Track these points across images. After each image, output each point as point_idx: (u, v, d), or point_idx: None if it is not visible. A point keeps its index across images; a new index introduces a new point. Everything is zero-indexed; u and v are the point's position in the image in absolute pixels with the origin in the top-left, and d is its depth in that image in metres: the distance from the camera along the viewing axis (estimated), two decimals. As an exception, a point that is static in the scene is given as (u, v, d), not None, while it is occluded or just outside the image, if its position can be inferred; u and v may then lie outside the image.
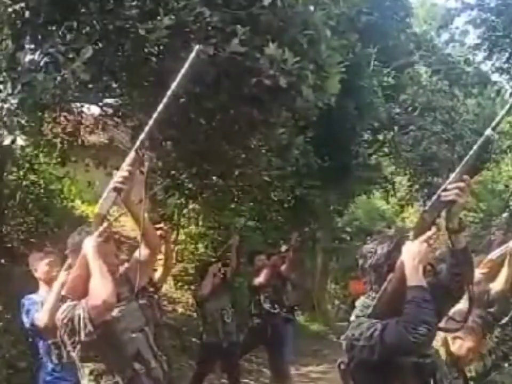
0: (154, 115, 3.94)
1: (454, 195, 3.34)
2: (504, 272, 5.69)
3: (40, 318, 5.40)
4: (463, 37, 26.66)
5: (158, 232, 7.52)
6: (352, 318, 3.57)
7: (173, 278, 14.09)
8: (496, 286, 5.71)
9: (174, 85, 3.91)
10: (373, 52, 15.65)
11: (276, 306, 9.95)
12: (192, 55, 3.93)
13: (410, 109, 19.18)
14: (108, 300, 3.83)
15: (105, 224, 4.03)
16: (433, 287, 3.35)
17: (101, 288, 3.86)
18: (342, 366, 3.52)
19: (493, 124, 3.38)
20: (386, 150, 20.18)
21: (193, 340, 12.37)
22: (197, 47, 3.99)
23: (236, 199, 13.55)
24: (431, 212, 3.44)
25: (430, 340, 3.31)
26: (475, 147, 3.38)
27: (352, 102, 12.98)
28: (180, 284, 14.62)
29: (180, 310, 14.05)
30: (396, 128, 19.34)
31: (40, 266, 5.67)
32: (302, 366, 14.37)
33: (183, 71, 3.92)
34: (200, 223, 15.36)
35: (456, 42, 26.20)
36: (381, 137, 19.26)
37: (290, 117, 9.31)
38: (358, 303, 3.65)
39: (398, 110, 19.13)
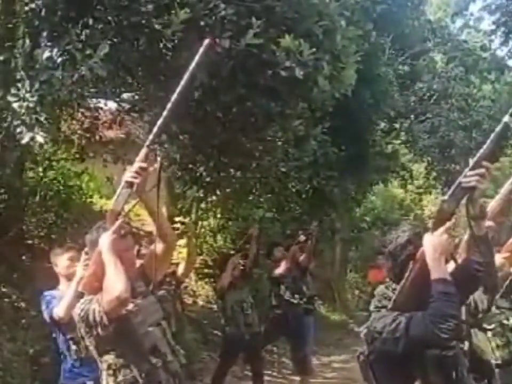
0: (165, 111, 4.00)
1: (474, 181, 3.33)
2: None
3: (57, 312, 5.45)
4: (478, 23, 26.48)
5: (180, 229, 7.58)
6: (372, 307, 3.58)
7: (193, 270, 14.14)
8: None
9: (184, 80, 3.95)
10: (388, 41, 15.60)
11: (296, 296, 9.98)
12: (202, 49, 3.96)
13: (426, 96, 19.10)
14: (121, 295, 3.86)
15: (120, 220, 4.06)
16: (454, 276, 3.35)
17: (114, 283, 3.89)
18: (361, 357, 3.53)
19: (511, 110, 3.37)
20: (403, 138, 20.09)
21: (214, 332, 12.43)
22: (206, 40, 4.01)
23: (253, 191, 13.57)
24: (451, 201, 3.43)
25: (456, 333, 3.31)
26: (493, 134, 3.38)
27: (368, 91, 12.94)
28: (199, 276, 14.67)
29: (200, 302, 14.11)
30: (412, 116, 19.29)
31: (60, 261, 5.72)
32: (324, 356, 14.42)
33: (193, 64, 3.95)
34: (219, 215, 15.40)
35: (471, 29, 26.00)
36: (397, 125, 19.17)
37: (307, 108, 9.32)
38: (376, 292, 3.66)
39: (414, 98, 19.06)
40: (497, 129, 3.37)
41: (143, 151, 4.03)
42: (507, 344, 5.34)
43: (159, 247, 4.23)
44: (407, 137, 19.98)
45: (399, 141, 19.84)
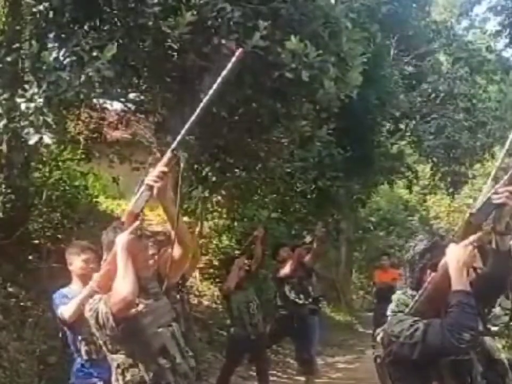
0: (193, 116, 3.89)
1: (504, 198, 3.36)
2: None
3: (63, 312, 5.46)
4: (483, 24, 26.50)
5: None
6: (388, 313, 3.60)
7: (198, 271, 14.16)
8: None
9: (213, 89, 3.85)
10: (393, 41, 15.62)
11: (302, 297, 9.98)
12: (234, 59, 3.86)
13: (431, 97, 19.09)
14: (127, 297, 3.87)
15: (138, 222, 4.06)
16: (474, 287, 3.36)
17: (122, 285, 3.90)
18: (378, 360, 3.55)
19: None
20: (408, 139, 20.09)
21: (220, 332, 12.45)
22: (240, 50, 3.96)
23: (259, 192, 13.59)
24: (479, 215, 3.45)
25: (473, 344, 3.33)
26: None
27: (373, 92, 12.94)
28: (205, 276, 14.69)
29: (206, 303, 14.12)
30: (417, 117, 19.27)
31: (75, 261, 5.69)
32: (329, 356, 14.44)
33: (224, 73, 3.85)
34: (224, 215, 15.42)
35: (476, 30, 26.01)
36: (402, 126, 19.17)
37: (312, 109, 9.34)
38: (393, 297, 3.69)
39: (419, 99, 19.05)
40: None
41: (167, 156, 3.95)
42: None
43: (176, 251, 4.23)
44: (412, 138, 19.98)
45: (404, 142, 19.83)
